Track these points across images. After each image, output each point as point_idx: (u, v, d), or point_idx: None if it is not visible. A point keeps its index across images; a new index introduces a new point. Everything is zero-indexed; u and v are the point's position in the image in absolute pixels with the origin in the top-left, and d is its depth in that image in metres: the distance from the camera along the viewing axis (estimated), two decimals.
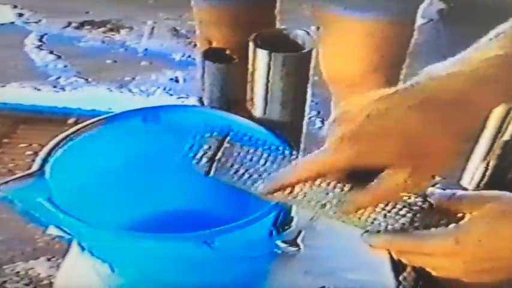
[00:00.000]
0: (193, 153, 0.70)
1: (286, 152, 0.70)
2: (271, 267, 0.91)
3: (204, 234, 0.77)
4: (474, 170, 1.62)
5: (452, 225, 0.65)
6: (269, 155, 0.69)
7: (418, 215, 0.67)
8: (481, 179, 1.61)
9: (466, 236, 0.64)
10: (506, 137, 1.45)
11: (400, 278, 0.93)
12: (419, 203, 0.68)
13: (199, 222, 0.80)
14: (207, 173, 0.69)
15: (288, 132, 0.98)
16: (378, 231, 0.67)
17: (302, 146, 1.53)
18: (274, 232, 0.84)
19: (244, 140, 0.70)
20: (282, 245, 0.88)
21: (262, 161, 0.69)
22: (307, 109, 1.62)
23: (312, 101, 1.71)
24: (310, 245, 0.92)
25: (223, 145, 0.69)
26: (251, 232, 0.80)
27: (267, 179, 0.68)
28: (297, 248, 0.90)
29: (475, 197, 0.68)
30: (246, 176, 0.68)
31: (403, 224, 0.67)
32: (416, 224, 0.67)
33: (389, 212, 0.67)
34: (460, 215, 0.66)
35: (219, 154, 0.69)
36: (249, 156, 0.69)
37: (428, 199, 0.68)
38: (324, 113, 2.19)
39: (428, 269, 0.67)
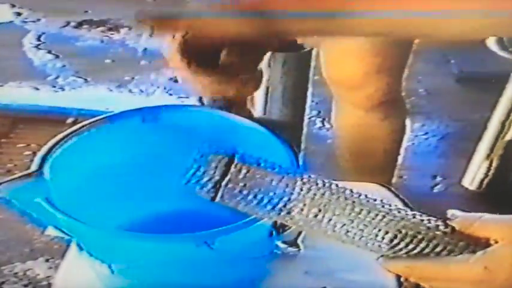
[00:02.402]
0: (198, 178, 0.67)
1: (294, 172, 0.67)
2: (271, 268, 0.91)
3: (204, 234, 0.77)
4: (476, 170, 1.62)
5: (480, 252, 0.63)
6: (276, 176, 0.66)
7: (439, 240, 0.64)
8: (483, 179, 1.61)
9: (497, 263, 0.62)
10: (508, 137, 1.45)
11: (402, 279, 0.92)
12: (441, 227, 0.65)
13: (199, 223, 0.80)
14: (213, 198, 0.67)
15: (288, 132, 0.97)
16: (395, 256, 0.65)
17: (302, 146, 1.53)
18: (274, 233, 0.84)
19: (251, 163, 0.67)
20: (282, 245, 0.88)
21: (269, 184, 0.66)
22: (307, 109, 1.63)
23: (312, 101, 1.71)
24: (310, 246, 0.92)
25: (230, 169, 0.67)
26: (251, 233, 0.79)
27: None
28: (297, 249, 0.90)
29: (504, 221, 0.64)
30: (255, 202, 0.66)
31: (423, 249, 0.64)
32: (437, 250, 0.64)
33: (409, 236, 0.65)
34: (484, 239, 0.63)
35: (226, 180, 0.66)
36: (256, 181, 0.66)
37: (450, 223, 0.65)
38: (324, 112, 2.18)
39: None
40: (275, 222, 0.84)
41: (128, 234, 0.83)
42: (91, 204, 0.86)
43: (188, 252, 0.79)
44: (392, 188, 1.07)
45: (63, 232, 0.81)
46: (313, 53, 1.46)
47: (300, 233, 0.89)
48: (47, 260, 1.80)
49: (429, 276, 0.65)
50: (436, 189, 2.04)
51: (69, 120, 2.21)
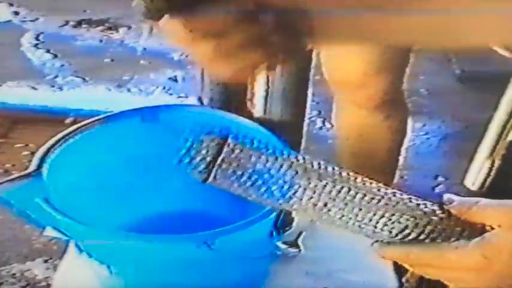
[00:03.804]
0: (190, 158, 0.65)
1: (289, 153, 0.66)
2: (271, 269, 0.90)
3: (204, 235, 0.76)
4: (478, 170, 1.61)
5: (476, 239, 0.61)
6: (271, 157, 0.64)
7: (435, 225, 0.63)
8: (485, 179, 1.60)
9: (495, 250, 0.61)
10: (510, 137, 1.44)
11: (403, 279, 0.92)
12: (437, 212, 0.63)
13: (199, 223, 0.80)
14: (205, 180, 0.65)
15: (288, 132, 0.97)
16: (390, 242, 0.63)
17: (302, 146, 1.53)
18: (274, 233, 0.84)
19: (245, 143, 0.65)
20: (283, 246, 0.88)
21: (263, 166, 0.64)
22: (307, 109, 1.62)
23: (313, 101, 1.70)
24: (311, 246, 0.91)
25: (223, 149, 0.64)
26: (251, 233, 0.79)
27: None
28: (297, 249, 0.90)
29: (501, 206, 0.63)
30: (249, 183, 0.64)
31: (419, 234, 0.63)
32: (433, 235, 0.63)
33: (404, 220, 0.64)
34: (480, 225, 0.62)
35: (219, 159, 0.64)
36: (250, 161, 0.64)
37: (447, 207, 0.64)
38: (325, 112, 2.18)
39: (447, 282, 0.64)
40: (275, 222, 0.84)
41: (127, 235, 0.83)
42: (90, 204, 0.86)
43: (188, 252, 0.78)
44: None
45: (61, 233, 0.81)
46: (314, 52, 1.45)
47: (300, 233, 0.89)
48: (46, 261, 1.79)
49: (424, 263, 0.63)
50: (437, 190, 2.03)
51: (68, 121, 2.20)
